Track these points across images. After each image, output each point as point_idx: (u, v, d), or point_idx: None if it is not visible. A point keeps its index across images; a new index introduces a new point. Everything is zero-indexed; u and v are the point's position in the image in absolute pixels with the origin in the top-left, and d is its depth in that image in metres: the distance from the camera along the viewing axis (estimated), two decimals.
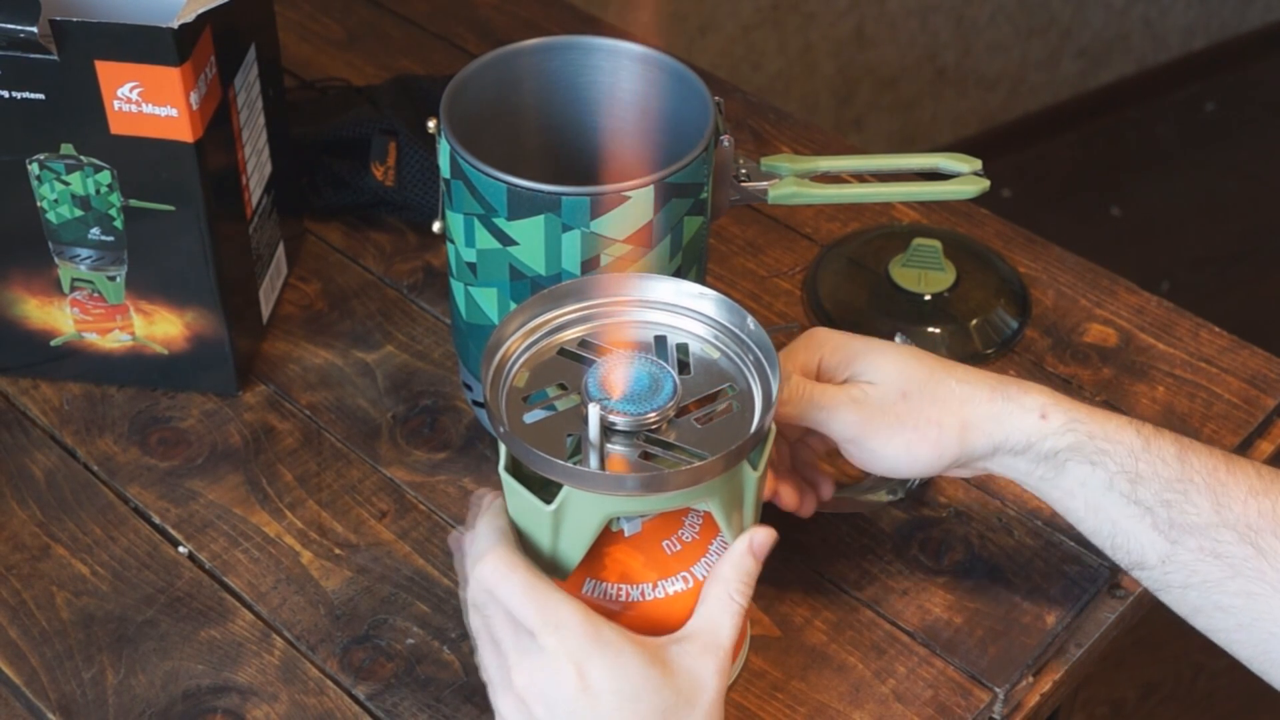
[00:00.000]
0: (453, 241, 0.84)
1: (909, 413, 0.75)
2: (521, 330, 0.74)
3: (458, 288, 0.86)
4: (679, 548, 0.73)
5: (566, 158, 0.89)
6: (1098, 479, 0.74)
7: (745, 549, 0.71)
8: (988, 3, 2.51)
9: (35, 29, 0.80)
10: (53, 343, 0.94)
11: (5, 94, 0.83)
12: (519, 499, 0.70)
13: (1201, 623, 0.75)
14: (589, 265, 0.80)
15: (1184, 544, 0.73)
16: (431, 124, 0.82)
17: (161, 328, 0.92)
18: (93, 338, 0.93)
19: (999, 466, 0.76)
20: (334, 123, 1.07)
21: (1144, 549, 0.74)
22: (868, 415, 0.76)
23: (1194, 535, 0.72)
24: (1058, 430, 0.74)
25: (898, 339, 0.80)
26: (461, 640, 0.82)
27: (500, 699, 0.70)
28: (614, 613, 0.71)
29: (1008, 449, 0.75)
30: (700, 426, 0.70)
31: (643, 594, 0.72)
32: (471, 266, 0.83)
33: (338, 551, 0.86)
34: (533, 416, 0.71)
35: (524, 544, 0.71)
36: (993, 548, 0.87)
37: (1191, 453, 0.74)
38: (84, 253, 0.89)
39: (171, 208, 0.87)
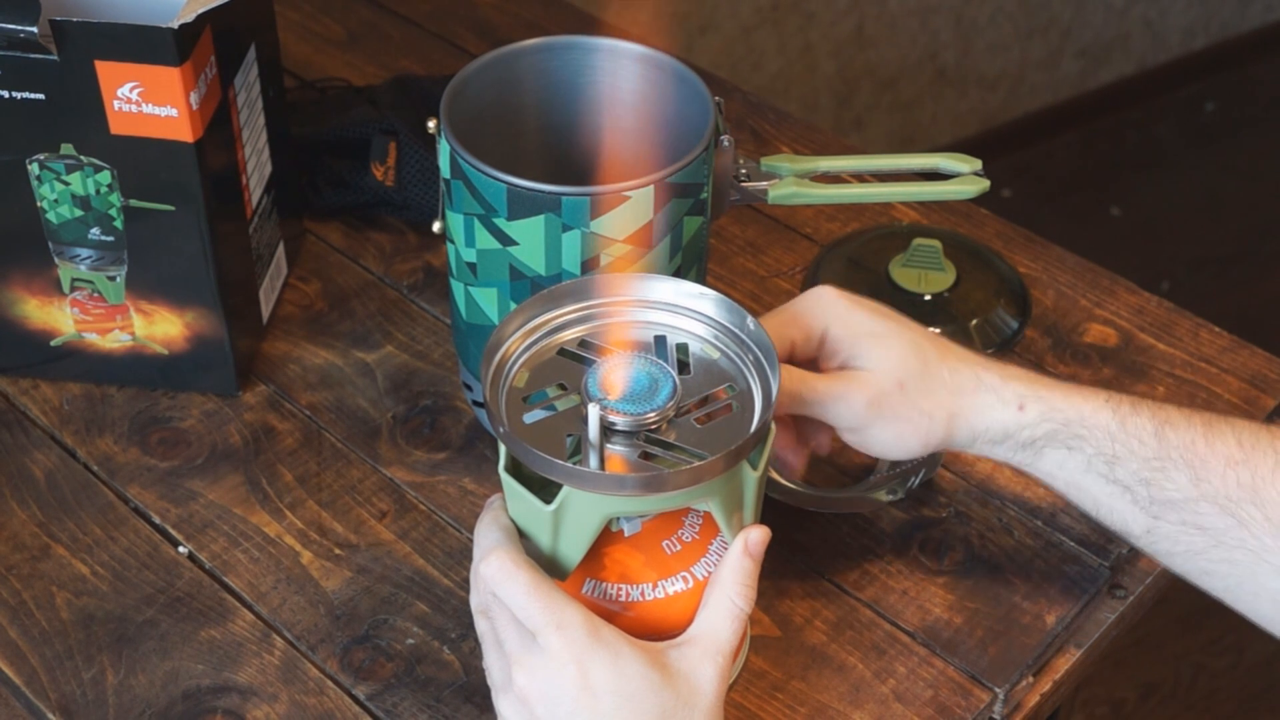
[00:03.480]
0: (453, 241, 0.84)
1: (904, 404, 0.77)
2: (521, 330, 0.74)
3: (458, 288, 0.86)
4: (679, 548, 0.73)
5: (566, 158, 0.89)
6: (1075, 462, 0.76)
7: (741, 551, 0.71)
8: (988, 3, 2.51)
9: (35, 29, 0.80)
10: (53, 343, 0.94)
11: (5, 94, 0.83)
12: (519, 499, 0.70)
13: (1193, 581, 0.77)
14: (589, 265, 0.80)
15: (1165, 518, 0.75)
16: (431, 124, 0.82)
17: (161, 328, 0.92)
18: (93, 338, 0.93)
19: (978, 451, 0.79)
20: (334, 123, 1.07)
21: (1127, 522, 0.76)
22: (864, 408, 0.77)
23: (1174, 509, 0.74)
24: (1034, 421, 0.76)
25: None
26: (462, 640, 0.82)
27: (502, 699, 0.70)
28: (614, 613, 0.71)
29: (987, 439, 0.78)
30: (700, 426, 0.70)
31: (643, 594, 0.72)
32: (471, 266, 0.83)
33: (338, 551, 0.86)
34: (533, 416, 0.71)
35: (524, 544, 0.71)
36: (993, 548, 0.87)
37: (1169, 428, 0.75)
38: (84, 253, 0.89)
39: (171, 208, 0.87)
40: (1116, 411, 0.76)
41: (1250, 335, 1.02)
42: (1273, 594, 0.74)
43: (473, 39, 1.26)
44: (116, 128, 0.84)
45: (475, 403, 0.92)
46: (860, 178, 0.99)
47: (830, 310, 0.79)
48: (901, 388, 0.77)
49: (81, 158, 0.85)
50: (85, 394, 0.95)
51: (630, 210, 0.78)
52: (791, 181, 0.86)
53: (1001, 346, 1.00)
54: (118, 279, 0.90)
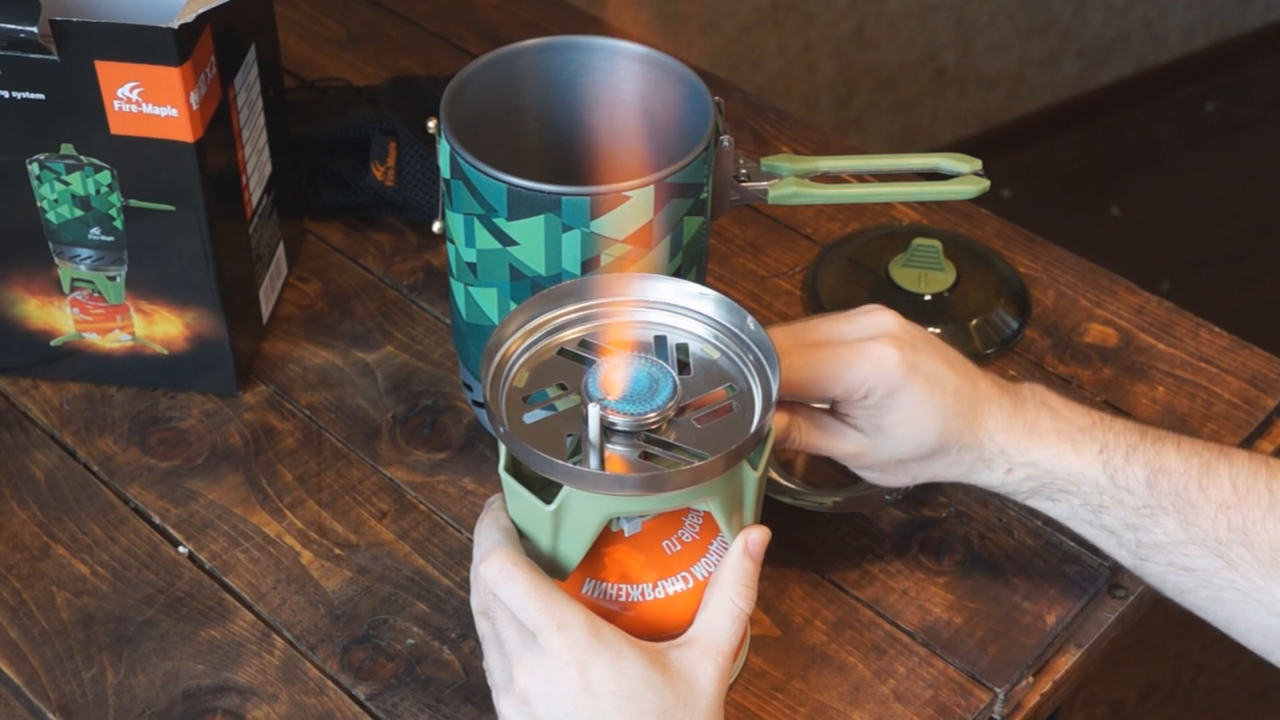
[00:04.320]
0: (453, 241, 0.84)
1: (905, 471, 0.79)
2: (521, 330, 0.74)
3: (458, 288, 0.86)
4: (679, 548, 0.73)
5: (566, 158, 0.89)
6: (1059, 510, 0.78)
7: (741, 551, 0.71)
8: (988, 3, 2.51)
9: (35, 29, 0.80)
10: (53, 343, 0.94)
11: (5, 94, 0.83)
12: (519, 500, 0.70)
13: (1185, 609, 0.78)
14: (589, 265, 0.80)
15: (1152, 559, 0.76)
16: (431, 124, 0.82)
17: (161, 328, 0.92)
18: (93, 338, 0.93)
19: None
20: (334, 123, 1.07)
21: (1113, 558, 0.78)
22: (871, 465, 0.79)
23: (1161, 552, 0.75)
24: (1018, 480, 0.77)
25: None
26: (462, 640, 0.82)
27: (503, 700, 0.70)
28: (614, 613, 0.71)
29: (978, 488, 0.80)
30: (700, 426, 0.70)
31: (643, 594, 0.72)
32: (471, 266, 0.83)
33: (338, 551, 0.86)
34: (533, 416, 0.71)
35: (524, 544, 0.71)
36: (993, 548, 0.87)
37: (1163, 477, 0.75)
38: (84, 253, 0.89)
39: (171, 208, 0.87)
40: (1108, 465, 0.75)
41: (1250, 335, 1.02)
42: (1264, 629, 0.74)
43: (473, 39, 1.26)
44: (116, 128, 0.84)
45: (475, 403, 0.92)
46: (860, 178, 0.99)
47: (882, 362, 0.76)
48: (902, 463, 0.79)
49: (81, 158, 0.85)
50: (85, 394, 0.95)
51: (630, 210, 0.78)
52: (791, 181, 0.86)
53: (1001, 346, 1.00)
54: (118, 279, 0.90)
